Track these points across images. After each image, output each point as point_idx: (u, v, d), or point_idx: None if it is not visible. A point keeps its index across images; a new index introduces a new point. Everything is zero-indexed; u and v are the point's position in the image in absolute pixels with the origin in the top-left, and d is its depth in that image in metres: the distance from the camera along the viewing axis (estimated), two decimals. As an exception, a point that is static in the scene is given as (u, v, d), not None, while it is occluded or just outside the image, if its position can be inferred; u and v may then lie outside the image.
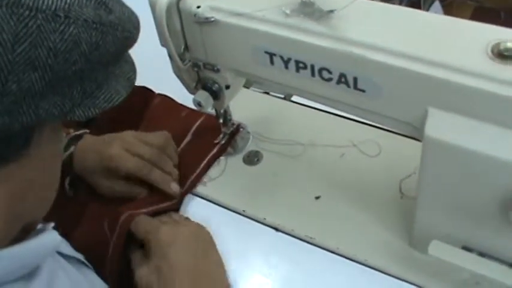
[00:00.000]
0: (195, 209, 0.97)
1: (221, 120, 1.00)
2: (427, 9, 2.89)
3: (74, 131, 1.00)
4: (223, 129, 1.02)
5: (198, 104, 0.87)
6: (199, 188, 0.99)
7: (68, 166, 0.97)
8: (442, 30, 0.70)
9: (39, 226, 0.64)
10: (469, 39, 0.67)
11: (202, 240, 0.86)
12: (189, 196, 0.99)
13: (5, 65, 0.46)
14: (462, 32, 0.69)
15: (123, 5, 0.57)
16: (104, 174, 0.97)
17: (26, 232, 0.61)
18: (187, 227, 0.86)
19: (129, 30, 0.56)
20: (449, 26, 0.70)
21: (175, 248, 0.81)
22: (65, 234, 0.78)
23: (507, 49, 0.64)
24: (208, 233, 0.87)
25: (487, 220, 0.72)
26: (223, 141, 1.02)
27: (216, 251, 0.86)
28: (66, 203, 0.97)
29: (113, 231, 0.89)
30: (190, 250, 0.82)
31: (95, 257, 0.83)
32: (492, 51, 0.64)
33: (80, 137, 0.99)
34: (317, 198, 0.94)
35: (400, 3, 2.84)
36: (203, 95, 0.87)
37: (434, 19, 0.73)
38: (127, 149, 0.96)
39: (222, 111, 0.97)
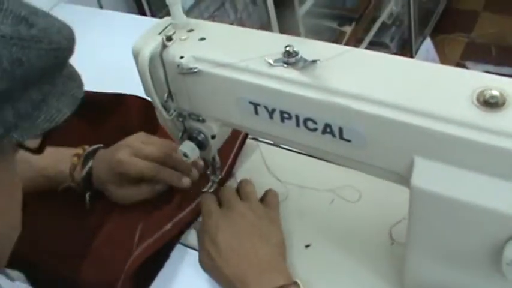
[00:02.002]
0: (183, 258, 0.96)
1: (209, 171, 0.98)
2: (419, 47, 2.91)
3: (88, 146, 1.02)
4: (212, 178, 1.00)
5: (184, 155, 0.86)
6: (186, 238, 0.98)
7: (87, 182, 0.99)
8: (426, 78, 0.69)
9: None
10: (454, 87, 0.66)
11: (260, 216, 0.91)
12: (177, 247, 0.97)
13: None
14: (447, 80, 0.68)
15: (51, 18, 0.55)
16: (116, 182, 0.98)
17: None
18: (243, 204, 0.93)
19: (58, 42, 0.54)
20: (434, 74, 0.70)
21: (223, 233, 0.87)
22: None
23: (492, 97, 0.63)
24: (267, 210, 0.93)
25: (478, 269, 0.70)
26: (211, 190, 1.01)
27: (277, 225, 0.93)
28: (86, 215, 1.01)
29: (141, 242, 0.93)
30: (236, 232, 0.88)
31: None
32: (478, 99, 0.64)
33: (95, 151, 1.01)
34: (307, 246, 0.93)
35: (392, 41, 2.86)
36: (189, 146, 0.86)
37: (418, 67, 0.72)
38: (134, 153, 0.97)
39: (210, 160, 0.96)
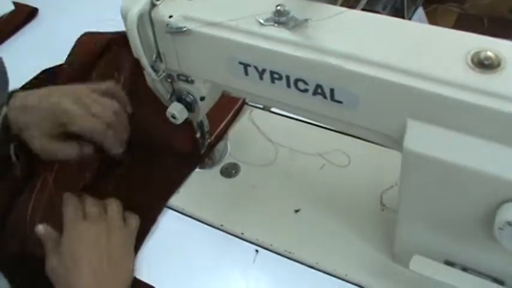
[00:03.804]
0: (170, 222, 0.95)
1: (198, 135, 0.97)
2: (411, 16, 2.89)
3: None
4: (200, 141, 0.99)
5: (172, 116, 0.85)
6: (174, 201, 0.97)
7: (4, 130, 0.91)
8: (421, 39, 0.67)
9: None
10: (449, 48, 0.65)
11: (116, 240, 0.86)
12: (163, 209, 0.96)
13: None
14: (441, 41, 0.67)
15: None
16: (46, 131, 0.91)
17: None
18: (103, 224, 0.87)
19: None
20: (429, 35, 0.68)
21: (84, 246, 0.83)
22: None
23: (487, 58, 0.62)
24: (126, 235, 0.89)
25: (469, 234, 0.70)
26: (202, 152, 1.00)
27: (121, 236, 0.87)
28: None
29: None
30: (98, 246, 0.83)
31: None
32: (472, 61, 0.62)
33: (10, 97, 0.93)
34: (297, 211, 0.92)
35: (384, 10, 2.84)
36: (177, 107, 0.85)
37: (413, 28, 0.70)
38: (84, 107, 0.91)
39: (198, 122, 0.94)
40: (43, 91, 0.94)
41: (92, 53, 1.13)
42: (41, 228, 0.87)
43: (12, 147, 0.94)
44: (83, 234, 0.85)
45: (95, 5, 1.45)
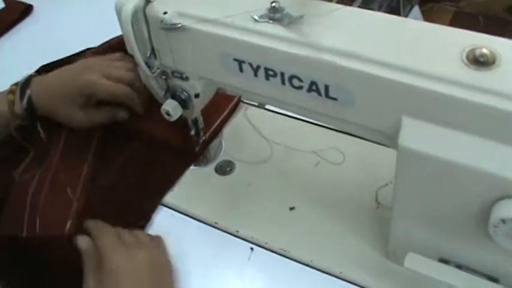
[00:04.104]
0: (164, 220, 0.94)
1: (193, 132, 0.97)
2: (407, 15, 2.89)
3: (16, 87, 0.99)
4: (194, 138, 0.99)
5: (167, 113, 0.84)
6: (169, 198, 0.97)
7: (30, 111, 0.98)
8: (416, 36, 0.67)
9: None
10: (444, 45, 0.65)
11: (159, 268, 0.82)
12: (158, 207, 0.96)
13: None
14: (437, 38, 0.67)
15: None
16: (81, 105, 0.97)
17: None
18: (145, 252, 0.81)
19: None
20: (424, 32, 0.68)
21: (128, 277, 0.77)
22: None
23: (482, 55, 0.62)
24: (168, 260, 0.84)
25: (464, 232, 0.70)
26: (196, 149, 1.00)
27: (173, 280, 0.83)
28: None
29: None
30: (143, 280, 0.78)
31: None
32: (467, 58, 0.62)
33: (29, 81, 0.99)
34: (291, 209, 0.92)
35: (380, 9, 2.84)
36: (171, 104, 0.84)
37: (408, 24, 0.70)
38: (101, 72, 0.97)
39: (192, 120, 0.94)
40: (59, 71, 1.00)
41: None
42: (84, 243, 0.84)
43: (39, 127, 1.01)
44: (126, 262, 0.79)
45: (92, 2, 1.44)
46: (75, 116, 0.98)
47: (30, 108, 0.97)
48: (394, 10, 2.92)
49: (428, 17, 3.10)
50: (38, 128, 1.00)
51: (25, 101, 0.96)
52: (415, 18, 2.99)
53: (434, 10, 3.15)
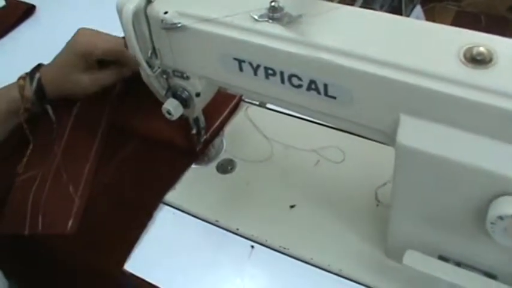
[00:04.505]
0: (165, 218, 0.95)
1: (194, 131, 0.97)
2: (409, 15, 2.89)
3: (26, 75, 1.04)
4: (196, 137, 0.99)
5: (168, 113, 0.85)
6: (170, 197, 0.97)
7: (40, 93, 1.02)
8: (413, 35, 0.68)
9: None
10: (441, 44, 0.65)
11: None
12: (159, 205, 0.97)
13: None
14: (434, 37, 0.67)
15: None
16: (84, 67, 1.01)
17: None
18: None
19: None
20: (421, 31, 0.69)
21: None
22: None
23: (479, 53, 0.62)
24: None
25: (463, 229, 0.70)
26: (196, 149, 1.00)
27: None
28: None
29: None
30: None
31: None
32: (465, 56, 0.63)
33: (38, 68, 1.04)
34: (292, 207, 0.92)
35: (381, 8, 2.84)
36: (173, 103, 0.85)
37: (405, 23, 0.71)
38: (95, 34, 1.03)
39: (193, 119, 0.94)
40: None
41: None
42: None
43: (49, 109, 1.05)
44: None
45: (94, 2, 1.45)
46: (81, 82, 1.02)
47: (40, 90, 1.01)
48: (395, 10, 2.93)
49: (430, 16, 3.10)
50: (47, 111, 1.04)
51: (35, 83, 1.01)
52: (417, 17, 3.00)
53: (436, 9, 3.15)
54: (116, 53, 1.00)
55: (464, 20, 2.99)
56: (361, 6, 2.73)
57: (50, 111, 1.04)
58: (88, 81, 1.02)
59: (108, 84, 1.04)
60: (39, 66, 1.04)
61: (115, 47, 0.99)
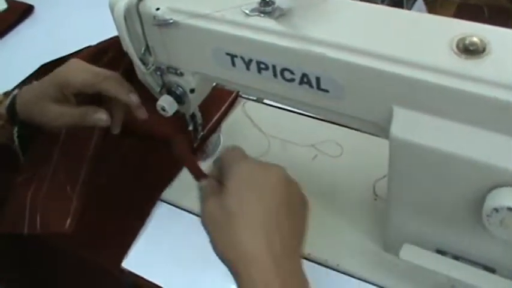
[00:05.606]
0: (162, 215, 0.95)
1: (190, 127, 0.97)
2: (410, 7, 2.88)
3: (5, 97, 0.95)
4: (193, 134, 0.99)
5: (162, 109, 0.85)
6: (167, 194, 0.97)
7: (11, 110, 0.92)
8: (405, 26, 0.67)
9: None
10: (434, 34, 0.65)
11: (294, 194, 0.71)
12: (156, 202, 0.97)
13: None
14: (426, 27, 0.67)
15: None
16: (52, 98, 0.88)
17: None
18: (281, 169, 0.70)
19: None
20: (413, 21, 0.68)
21: (259, 191, 0.65)
22: None
23: (472, 44, 0.61)
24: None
25: (459, 222, 0.69)
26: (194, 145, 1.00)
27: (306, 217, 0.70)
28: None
29: None
30: (277, 195, 0.67)
31: None
32: (457, 46, 0.62)
33: (21, 84, 0.98)
34: (289, 202, 0.92)
35: (383, 1, 2.83)
36: (167, 100, 0.85)
37: (397, 14, 0.70)
38: (76, 64, 0.90)
39: (190, 115, 0.94)
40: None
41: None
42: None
43: (15, 132, 0.95)
44: (253, 175, 0.67)
45: (92, 3, 1.44)
46: (48, 112, 0.89)
47: (11, 108, 0.92)
48: (397, 2, 2.91)
49: (432, 9, 3.09)
50: (13, 132, 0.95)
51: (8, 100, 0.93)
52: (419, 10, 2.98)
53: (438, 2, 3.13)
54: (92, 86, 0.87)
55: (467, 12, 2.98)
56: (361, 0, 2.72)
57: (16, 137, 0.96)
58: (54, 113, 0.89)
59: (73, 124, 0.90)
60: (25, 83, 0.97)
61: (91, 79, 0.87)
